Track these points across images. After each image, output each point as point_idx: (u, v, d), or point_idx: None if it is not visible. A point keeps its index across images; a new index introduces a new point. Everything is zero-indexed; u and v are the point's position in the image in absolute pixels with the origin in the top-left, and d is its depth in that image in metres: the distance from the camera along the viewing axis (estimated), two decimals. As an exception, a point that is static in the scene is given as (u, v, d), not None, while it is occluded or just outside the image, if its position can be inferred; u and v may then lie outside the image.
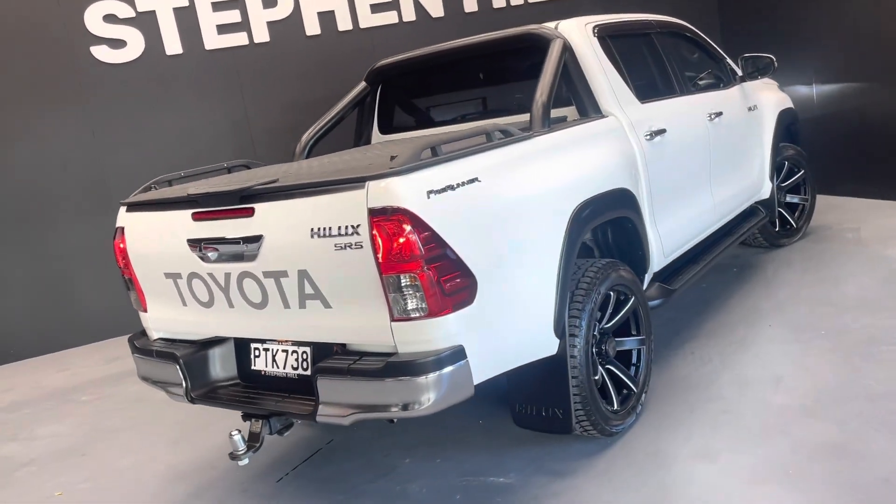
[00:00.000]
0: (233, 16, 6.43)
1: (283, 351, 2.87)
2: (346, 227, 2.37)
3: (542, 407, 2.98)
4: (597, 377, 3.11)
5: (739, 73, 5.02)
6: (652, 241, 3.67)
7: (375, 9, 6.83)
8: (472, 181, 2.52)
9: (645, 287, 3.65)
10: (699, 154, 4.19)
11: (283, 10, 6.56)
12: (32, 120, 6.07)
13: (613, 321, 3.29)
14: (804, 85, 7.17)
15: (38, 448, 4.26)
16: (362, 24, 6.81)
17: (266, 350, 2.94)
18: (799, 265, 5.12)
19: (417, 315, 2.35)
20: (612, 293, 3.22)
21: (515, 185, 2.71)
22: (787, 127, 5.69)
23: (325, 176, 2.53)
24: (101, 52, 6.15)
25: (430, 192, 2.36)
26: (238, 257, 2.68)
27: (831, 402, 3.18)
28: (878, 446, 2.78)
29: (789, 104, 5.59)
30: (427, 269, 2.31)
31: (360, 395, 2.45)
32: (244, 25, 6.48)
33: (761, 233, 5.46)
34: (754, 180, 5.01)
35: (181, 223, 2.84)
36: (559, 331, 2.84)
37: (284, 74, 6.67)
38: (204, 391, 3.00)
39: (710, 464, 2.89)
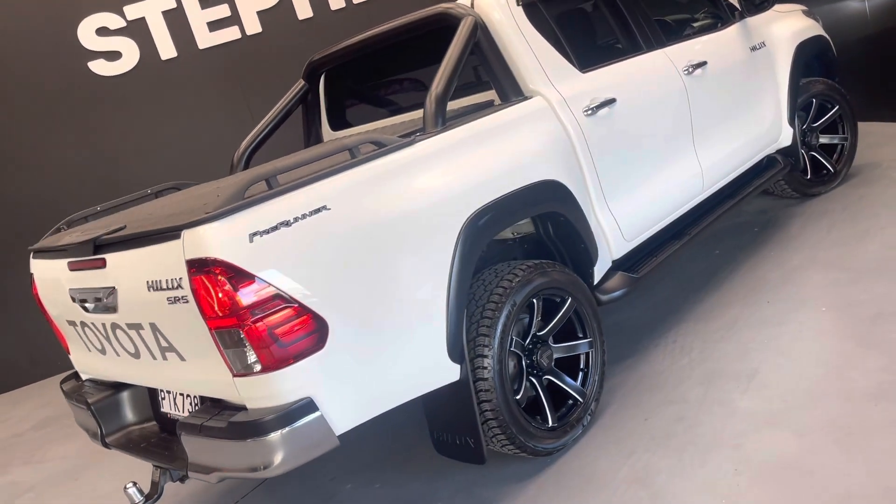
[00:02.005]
0: (222, 11, 6.32)
1: (181, 394, 2.77)
2: (171, 281, 2.21)
3: (455, 435, 2.74)
4: (519, 396, 2.83)
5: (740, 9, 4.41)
6: (604, 228, 3.29)
7: (367, -19, 6.52)
8: (317, 211, 2.28)
9: (598, 280, 3.28)
10: (672, 116, 3.71)
11: (272, -2, 6.38)
12: (36, 144, 6.22)
13: (548, 328, 2.98)
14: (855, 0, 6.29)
15: (43, 472, 4.44)
16: (356, 0, 6.52)
17: (169, 392, 2.85)
18: (828, 219, 4.51)
19: (256, 370, 2.17)
20: (536, 300, 2.90)
21: (381, 205, 2.44)
22: (815, 59, 4.99)
23: (153, 223, 2.36)
24: (99, 66, 6.21)
25: (254, 234, 2.14)
26: (105, 308, 2.58)
27: (801, 404, 2.76)
28: (832, 463, 2.37)
29: (814, 33, 4.87)
30: (254, 322, 2.11)
31: (214, 456, 2.31)
32: (234, 19, 6.36)
33: (789, 184, 4.85)
34: (766, 129, 4.42)
35: (62, 272, 2.77)
36: (457, 355, 2.58)
37: (282, 63, 6.48)
38: (119, 436, 2.96)
39: (643, 489, 2.57)
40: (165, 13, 6.22)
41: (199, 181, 3.76)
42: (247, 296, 2.10)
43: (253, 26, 6.39)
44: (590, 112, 3.23)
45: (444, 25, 3.17)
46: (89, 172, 6.31)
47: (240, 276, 2.10)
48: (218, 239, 2.10)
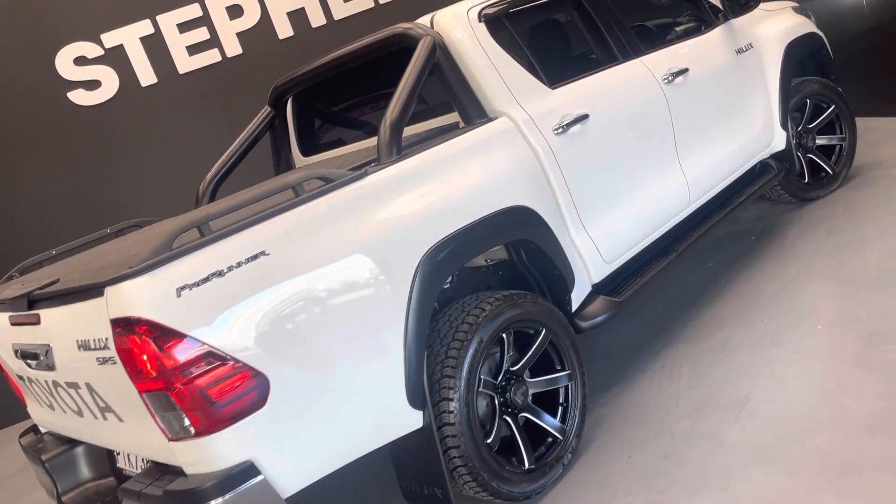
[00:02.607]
0: (200, 34, 6.21)
1: (132, 450, 2.63)
2: (98, 341, 2.07)
3: (423, 485, 2.57)
4: (491, 439, 2.66)
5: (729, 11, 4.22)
6: (581, 252, 3.12)
7: (348, -4, 6.40)
8: (254, 258, 2.13)
9: (577, 307, 3.11)
10: (652, 128, 3.53)
11: (250, 18, 6.27)
12: (17, 178, 6.13)
13: (522, 362, 2.81)
14: (851, -9, 6.07)
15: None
16: (336, 16, 6.41)
17: (122, 448, 2.71)
18: (826, 224, 4.31)
19: (191, 434, 2.02)
20: (506, 334, 2.73)
21: (327, 247, 2.28)
22: (808, 57, 4.80)
23: (82, 277, 2.22)
24: (78, 96, 6.12)
25: (182, 287, 2.00)
26: (45, 366, 2.45)
27: (793, 436, 2.57)
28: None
29: (805, 30, 4.67)
30: (184, 384, 1.96)
31: (154, 524, 2.16)
32: (214, 42, 6.25)
33: (786, 189, 4.64)
34: (757, 134, 4.23)
35: (5, 326, 2.64)
36: (418, 401, 2.42)
37: (265, 84, 6.26)
38: (75, 494, 2.82)
39: (622, 539, 2.40)
40: (143, 39, 6.12)
41: (174, 213, 3.62)
42: (174, 356, 1.95)
43: (233, 48, 6.28)
44: (560, 130, 3.06)
45: (404, 46, 3.02)
46: (74, 204, 6.21)
47: (166, 336, 1.95)
48: (141, 296, 1.96)
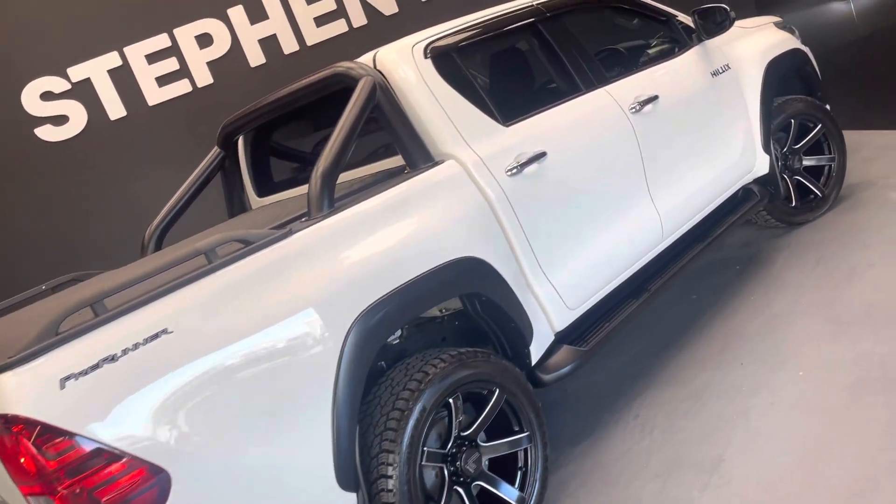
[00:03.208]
0: (170, 64, 6.05)
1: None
2: (-21, 438, 1.86)
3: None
4: (442, 517, 2.45)
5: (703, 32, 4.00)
6: (542, 299, 2.91)
7: (321, 21, 6.23)
8: (154, 337, 1.93)
9: (539, 358, 2.89)
10: (618, 162, 3.32)
11: (220, 47, 6.11)
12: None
13: (473, 427, 2.60)
14: (839, 0, 5.85)
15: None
16: (310, 42, 6.24)
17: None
18: (814, 252, 4.07)
19: (80, 538, 1.82)
20: (453, 399, 2.52)
21: (242, 318, 2.08)
22: (792, 75, 4.58)
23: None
24: (46, 132, 5.96)
25: (67, 378, 1.80)
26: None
27: (766, 508, 2.34)
28: None
29: (788, 47, 4.45)
30: (68, 487, 1.77)
31: None
32: (184, 72, 6.09)
33: (772, 214, 4.41)
34: (737, 159, 4.01)
35: None
36: (349, 482, 2.21)
37: (237, 114, 6.22)
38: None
39: None
40: (111, 72, 5.96)
41: (118, 263, 3.44)
42: (56, 457, 1.76)
43: (204, 78, 6.12)
44: (514, 171, 2.86)
45: (344, 87, 2.83)
46: (45, 245, 6.05)
47: (47, 434, 1.76)
48: (18, 391, 1.76)
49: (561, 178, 3.04)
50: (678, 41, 3.99)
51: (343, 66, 2.84)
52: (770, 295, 3.79)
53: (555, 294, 2.96)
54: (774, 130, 4.27)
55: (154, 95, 6.06)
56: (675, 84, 3.70)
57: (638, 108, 3.42)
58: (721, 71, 3.99)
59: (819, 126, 4.47)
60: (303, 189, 3.44)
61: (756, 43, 4.29)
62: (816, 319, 3.36)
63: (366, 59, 2.93)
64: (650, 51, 4.07)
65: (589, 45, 4.19)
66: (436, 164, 2.75)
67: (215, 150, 3.68)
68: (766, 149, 4.14)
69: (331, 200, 2.45)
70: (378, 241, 2.43)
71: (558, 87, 3.35)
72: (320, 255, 2.30)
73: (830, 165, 4.57)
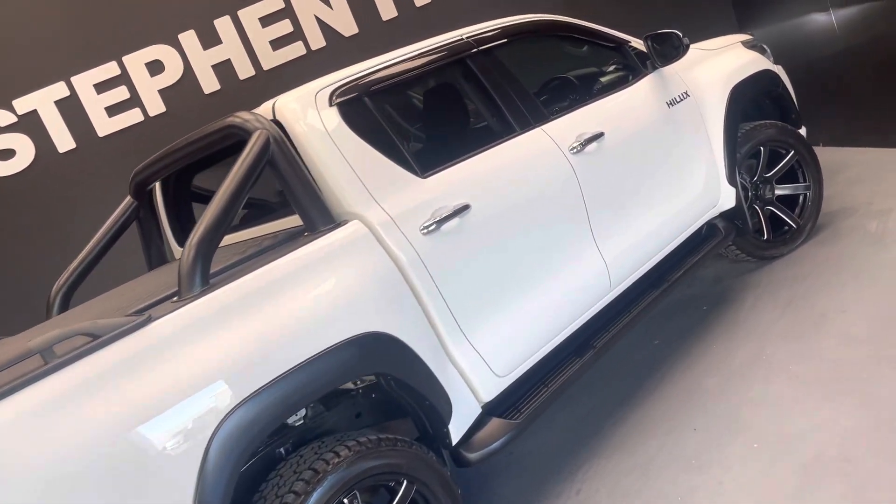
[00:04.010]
0: (120, 93, 5.81)
1: None
2: None
3: None
4: None
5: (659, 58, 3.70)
6: (465, 370, 2.64)
7: (277, 44, 5.98)
8: (-34, 462, 1.66)
9: (463, 435, 2.61)
10: (556, 209, 3.03)
11: (172, 74, 5.86)
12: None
13: (379, 525, 2.32)
14: (819, 12, 5.54)
15: None
16: (266, 66, 5.98)
17: None
18: (785, 292, 3.77)
19: None
20: (349, 499, 2.24)
21: (76, 431, 1.81)
22: (763, 98, 4.28)
23: None
24: (-7, 167, 5.73)
25: None
26: None
27: None
28: None
29: (756, 68, 4.15)
30: None
31: None
32: (135, 101, 5.84)
33: (742, 249, 4.11)
34: (698, 195, 3.71)
35: None
36: None
37: (192, 143, 5.96)
38: None
39: None
40: (59, 103, 5.73)
41: (101, 290, 3.19)
42: None
43: (156, 106, 5.88)
44: (431, 228, 2.58)
45: (239, 141, 2.55)
46: (-4, 283, 5.82)
47: None
48: None
49: (486, 232, 2.75)
50: (633, 69, 3.70)
51: (238, 117, 2.57)
52: (734, 343, 3.50)
53: (480, 362, 2.68)
54: (742, 160, 3.97)
55: (104, 126, 5.83)
56: (624, 118, 3.41)
57: (579, 147, 3.13)
58: (679, 99, 3.69)
59: (792, 153, 4.17)
60: (231, 237, 3.20)
61: (720, 66, 3.99)
62: (779, 377, 3.06)
63: (265, 107, 2.66)
64: (603, 79, 3.78)
65: (539, 74, 3.95)
66: (337, 226, 2.47)
67: (128, 199, 3.40)
68: (732, 181, 3.85)
69: (205, 276, 2.18)
70: (258, 325, 2.15)
71: (488, 129, 3.07)
72: (184, 348, 2.02)
73: (806, 194, 4.26)
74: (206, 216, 2.24)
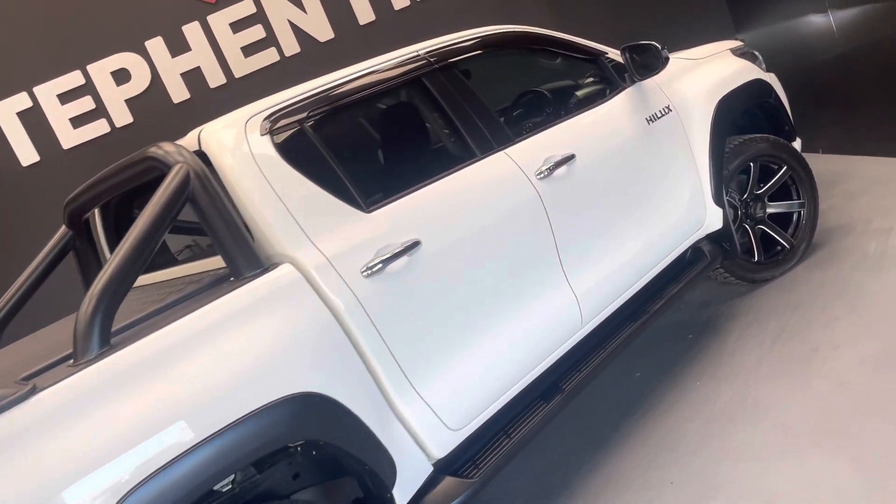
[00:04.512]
0: (85, 104, 5.57)
1: None
2: None
3: None
4: None
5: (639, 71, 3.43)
6: (412, 425, 2.39)
7: (249, 51, 5.72)
8: None
9: (412, 499, 2.36)
10: (521, 241, 2.78)
11: (139, 83, 5.62)
12: None
13: None
14: (818, 13, 5.25)
15: None
16: (238, 73, 5.73)
17: None
18: (775, 322, 3.51)
19: None
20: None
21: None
22: (754, 109, 4.02)
23: None
24: (-47, 182, 5.49)
25: None
26: None
27: None
28: None
29: (746, 78, 3.88)
30: None
31: None
32: (101, 112, 5.61)
33: (731, 272, 3.85)
34: (680, 218, 3.45)
35: None
36: None
37: (162, 154, 5.72)
38: None
39: None
40: (21, 114, 5.50)
41: (61, 315, 2.98)
42: None
43: (123, 117, 5.64)
44: (375, 269, 2.33)
45: (160, 175, 2.30)
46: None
47: None
48: None
49: (439, 270, 2.50)
50: (610, 82, 3.43)
51: (159, 148, 2.31)
52: (718, 381, 3.24)
53: (431, 415, 2.43)
54: (730, 177, 3.71)
55: (69, 138, 5.59)
56: (598, 137, 3.15)
57: (547, 172, 2.87)
58: (660, 115, 3.43)
59: (784, 168, 3.90)
60: (180, 269, 2.94)
61: (706, 77, 3.72)
62: (764, 424, 2.80)
63: (191, 136, 2.41)
64: (580, 93, 3.52)
65: (514, 88, 3.69)
66: (265, 270, 2.21)
67: (63, 229, 3.16)
68: (719, 201, 3.58)
69: (105, 335, 1.93)
70: (165, 390, 1.90)
71: (445, 155, 2.82)
72: (76, 422, 1.77)
73: (800, 212, 3.99)
74: (110, 266, 1.99)
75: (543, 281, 2.83)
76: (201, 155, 2.33)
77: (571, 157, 2.97)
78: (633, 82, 3.40)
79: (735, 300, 3.91)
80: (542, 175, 2.86)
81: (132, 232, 2.06)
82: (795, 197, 3.98)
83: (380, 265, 2.35)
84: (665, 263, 3.38)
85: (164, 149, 2.28)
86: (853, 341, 3.06)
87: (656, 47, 3.26)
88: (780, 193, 3.96)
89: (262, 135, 2.38)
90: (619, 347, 3.05)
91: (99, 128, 5.61)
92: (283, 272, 2.21)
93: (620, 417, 3.27)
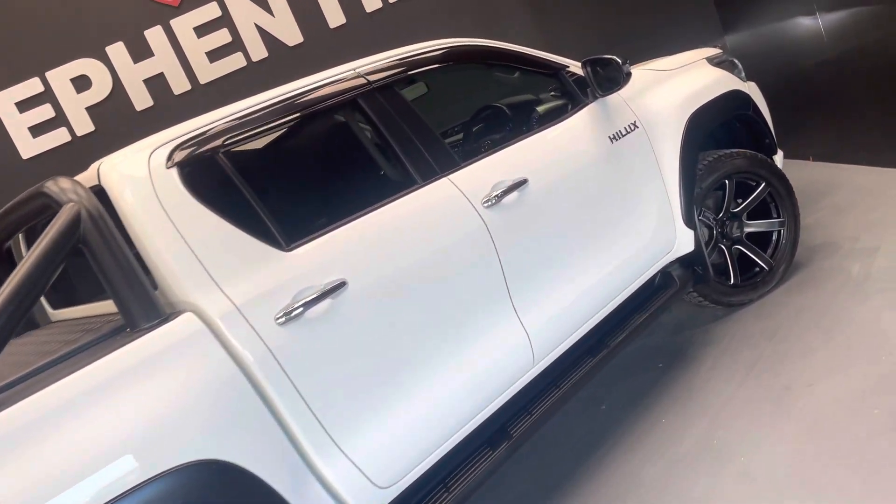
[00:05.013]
0: (44, 112, 5.36)
1: None
2: None
3: None
4: None
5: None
6: (333, 484, 2.18)
7: (214, 56, 5.50)
8: None
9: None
10: (463, 276, 2.56)
11: (101, 90, 5.40)
12: None
13: None
14: (806, 16, 5.01)
15: None
16: (203, 79, 5.51)
17: None
18: (749, 354, 3.29)
19: None
20: None
21: None
22: (732, 122, 3.79)
23: None
24: None
25: None
26: None
27: None
28: None
29: (722, 89, 3.65)
30: None
31: None
32: (61, 120, 5.39)
33: (705, 295, 3.62)
34: (646, 242, 3.23)
35: None
36: None
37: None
38: None
39: None
40: (-22, 124, 5.28)
41: None
42: None
43: (84, 125, 5.42)
44: (292, 314, 2.12)
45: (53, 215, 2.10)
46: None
47: None
48: None
49: (368, 313, 2.29)
50: (572, 97, 3.21)
51: (54, 185, 2.10)
52: (685, 418, 3.03)
53: (356, 474, 2.22)
54: (704, 195, 3.49)
55: (28, 147, 5.38)
56: (555, 159, 2.93)
57: (495, 199, 2.66)
58: (625, 132, 3.20)
59: (763, 185, 3.67)
60: (98, 304, 2.74)
61: (677, 90, 3.49)
62: (728, 472, 2.59)
63: (91, 170, 2.21)
64: (541, 108, 3.30)
65: (472, 103, 3.48)
66: (165, 320, 2.01)
67: (-14, 259, 2.95)
68: (689, 222, 3.36)
69: (-30, 402, 1.73)
70: (38, 460, 1.70)
71: (381, 183, 2.60)
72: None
73: (780, 231, 3.77)
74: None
75: (490, 318, 2.62)
76: (100, 191, 2.13)
77: (524, 181, 2.75)
78: (595, 98, 3.17)
79: (710, 325, 3.69)
80: (489, 203, 2.64)
81: (9, 283, 1.86)
82: (775, 215, 3.76)
83: (299, 310, 2.14)
84: (630, 291, 3.16)
85: (59, 185, 2.08)
86: (828, 377, 2.85)
87: (617, 62, 3.03)
88: (758, 211, 3.74)
89: (169, 167, 2.17)
90: (576, 386, 2.85)
91: (59, 136, 5.40)
92: (182, 323, 2.01)
93: (581, 457, 3.06)
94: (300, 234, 2.28)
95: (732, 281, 3.65)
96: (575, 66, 3.23)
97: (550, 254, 2.82)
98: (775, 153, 3.89)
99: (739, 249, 3.70)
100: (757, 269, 3.73)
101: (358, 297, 2.27)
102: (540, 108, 3.29)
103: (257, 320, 2.09)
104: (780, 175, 3.70)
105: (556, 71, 3.19)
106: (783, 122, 5.69)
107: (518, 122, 3.27)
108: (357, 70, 2.66)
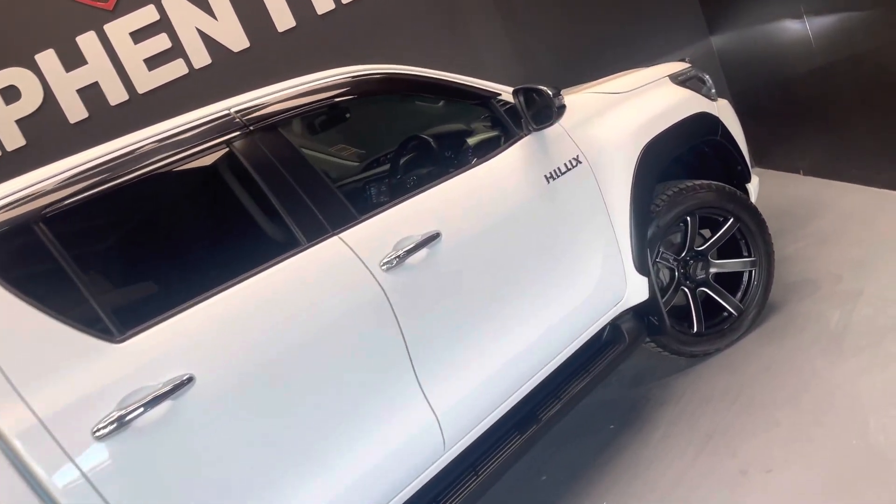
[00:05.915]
0: (-20, 120, 4.97)
1: None
2: None
3: None
4: None
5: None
6: None
7: (153, 63, 5.09)
8: None
9: None
10: (352, 355, 2.17)
11: (31, 101, 5.01)
12: None
13: None
14: (793, 19, 4.55)
15: None
16: (141, 89, 5.10)
17: None
18: (706, 421, 2.89)
19: None
20: None
21: None
22: (704, 147, 3.38)
23: None
24: None
25: None
26: None
27: None
28: None
29: (685, 113, 3.22)
30: None
31: None
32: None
33: (664, 346, 3.22)
34: (590, 293, 2.83)
35: None
36: None
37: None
38: None
39: None
40: None
41: None
42: None
43: (14, 139, 5.01)
44: (115, 426, 1.73)
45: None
46: None
47: None
48: None
49: (220, 413, 1.91)
50: (506, 130, 2.80)
51: None
52: (630, 494, 2.63)
53: None
54: (663, 235, 3.08)
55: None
56: (475, 207, 2.52)
57: (397, 260, 2.26)
58: (564, 170, 2.79)
59: (731, 221, 3.25)
60: None
61: (630, 116, 3.07)
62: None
63: None
64: (472, 140, 2.89)
65: (393, 135, 3.07)
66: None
67: None
68: (642, 268, 2.96)
69: None
70: None
71: (252, 248, 2.19)
72: None
73: (751, 272, 3.35)
74: None
75: (388, 401, 2.23)
76: None
77: (435, 235, 2.35)
78: (529, 131, 2.75)
79: (671, 377, 3.30)
80: (388, 265, 2.25)
81: None
82: (746, 253, 3.34)
83: (128, 418, 1.75)
84: (570, 351, 2.77)
85: None
86: (790, 463, 2.45)
87: (547, 93, 2.60)
88: (727, 249, 3.33)
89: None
90: (499, 470, 2.46)
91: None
92: (-32, 444, 1.63)
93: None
94: (137, 319, 1.89)
95: (696, 329, 3.24)
96: (507, 94, 2.81)
97: (465, 320, 2.42)
98: (748, 181, 3.46)
99: (705, 292, 3.28)
100: (725, 314, 3.31)
101: (208, 395, 1.88)
102: (471, 140, 2.88)
103: (67, 436, 1.70)
104: (750, 209, 3.28)
105: (485, 100, 2.77)
106: (773, 131, 5.27)
107: (444, 157, 2.86)
108: (231, 109, 2.26)
